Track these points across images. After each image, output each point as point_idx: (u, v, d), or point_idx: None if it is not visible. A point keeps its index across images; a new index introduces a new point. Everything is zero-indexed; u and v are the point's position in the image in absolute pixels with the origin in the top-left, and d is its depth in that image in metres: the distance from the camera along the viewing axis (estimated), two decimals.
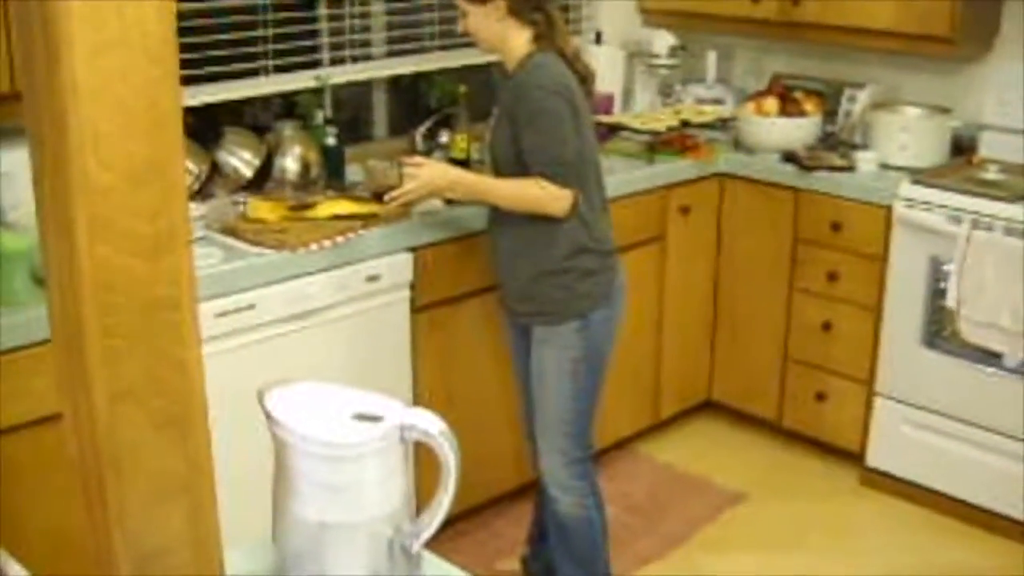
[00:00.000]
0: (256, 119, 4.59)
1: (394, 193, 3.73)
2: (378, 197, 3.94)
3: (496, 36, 3.57)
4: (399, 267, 3.99)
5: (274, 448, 1.78)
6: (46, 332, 2.85)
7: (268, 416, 1.74)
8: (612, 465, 4.96)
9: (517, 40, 3.57)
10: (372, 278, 3.90)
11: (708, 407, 5.50)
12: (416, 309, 4.06)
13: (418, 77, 5.11)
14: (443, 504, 1.80)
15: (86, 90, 1.52)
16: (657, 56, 5.59)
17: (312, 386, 1.82)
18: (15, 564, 2.38)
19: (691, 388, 5.39)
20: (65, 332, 1.66)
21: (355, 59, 4.79)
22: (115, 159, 1.56)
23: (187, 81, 3.98)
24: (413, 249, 4.02)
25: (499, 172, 3.65)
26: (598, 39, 5.59)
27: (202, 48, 4.21)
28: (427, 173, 3.69)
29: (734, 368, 5.34)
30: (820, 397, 5.03)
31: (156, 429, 1.68)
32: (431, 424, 1.75)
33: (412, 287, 4.05)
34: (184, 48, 3.96)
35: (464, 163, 4.85)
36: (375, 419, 1.74)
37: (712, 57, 5.70)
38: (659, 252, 5.00)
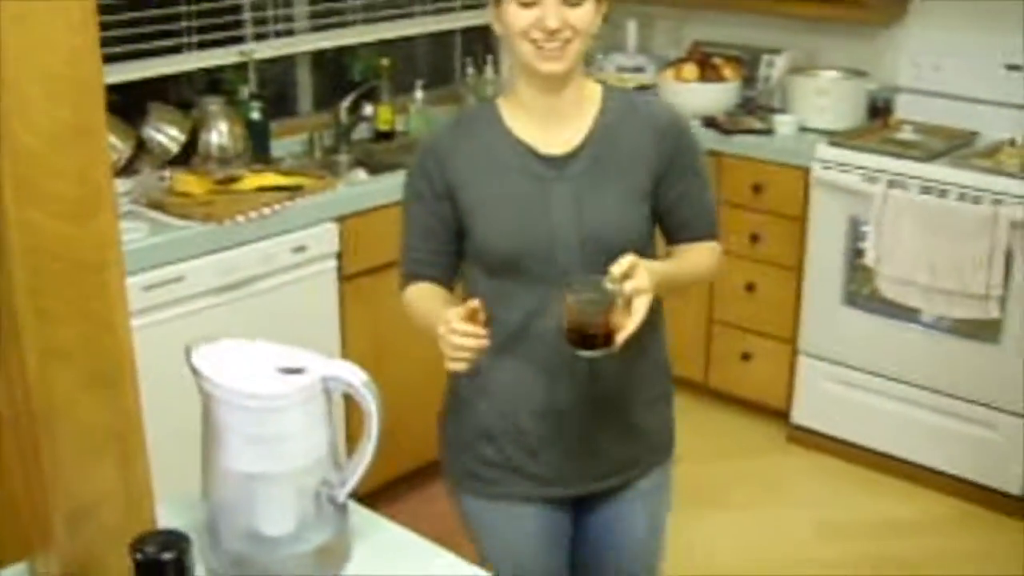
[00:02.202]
0: (180, 95, 4.62)
1: (628, 328, 2.30)
2: (585, 342, 2.33)
3: (590, 39, 2.51)
4: (325, 237, 4.05)
5: (202, 404, 1.83)
6: None
7: (195, 371, 1.79)
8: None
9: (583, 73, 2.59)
10: (299, 249, 3.96)
11: None
12: (344, 278, 4.12)
13: (341, 51, 5.14)
14: (367, 451, 1.87)
15: (11, 56, 1.57)
16: None
17: (237, 343, 1.88)
18: None
19: None
20: None
21: (279, 34, 4.82)
22: (41, 124, 1.62)
23: (110, 59, 4.00)
24: (339, 219, 4.08)
25: (600, 260, 2.40)
26: None
27: (125, 25, 4.23)
28: (648, 277, 2.31)
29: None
30: (745, 357, 5.13)
31: (86, 387, 1.74)
32: (353, 375, 1.82)
33: (339, 257, 4.11)
34: (107, 25, 3.99)
35: (388, 135, 4.91)
36: (298, 372, 1.81)
37: (632, 26, 5.77)
38: None
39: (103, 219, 1.70)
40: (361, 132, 4.93)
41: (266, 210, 3.83)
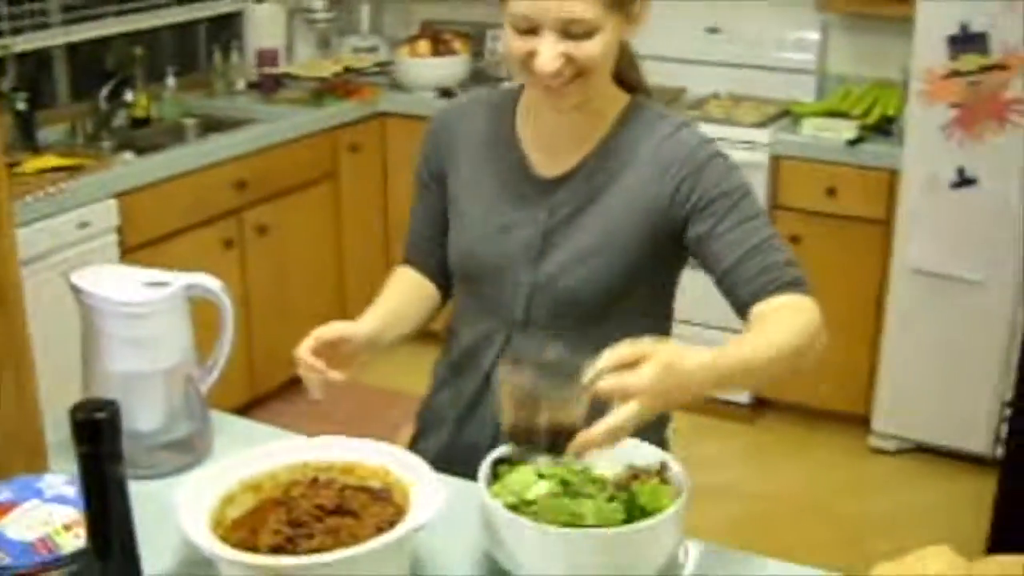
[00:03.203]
0: None
1: (591, 438, 1.77)
2: (521, 438, 1.88)
3: (609, 69, 2.17)
4: (106, 213, 4.32)
5: (81, 319, 2.16)
6: None
7: (76, 289, 2.12)
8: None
9: (613, 87, 2.26)
10: (83, 224, 4.22)
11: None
12: (125, 251, 4.40)
13: (94, 43, 5.37)
14: (226, 344, 2.23)
15: None
16: (314, 11, 6.01)
17: (106, 268, 2.22)
18: None
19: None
20: None
21: (34, 27, 5.01)
22: None
23: None
24: (118, 195, 4.37)
25: (560, 313, 2.21)
26: None
27: None
28: (650, 375, 1.74)
29: None
30: None
31: None
32: (210, 282, 2.19)
33: (119, 231, 4.39)
34: None
35: (145, 121, 5.19)
36: (163, 285, 2.16)
37: (365, 9, 6.17)
38: (333, 188, 5.47)
39: None
40: (119, 120, 5.18)
41: (51, 189, 4.08)
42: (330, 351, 2.15)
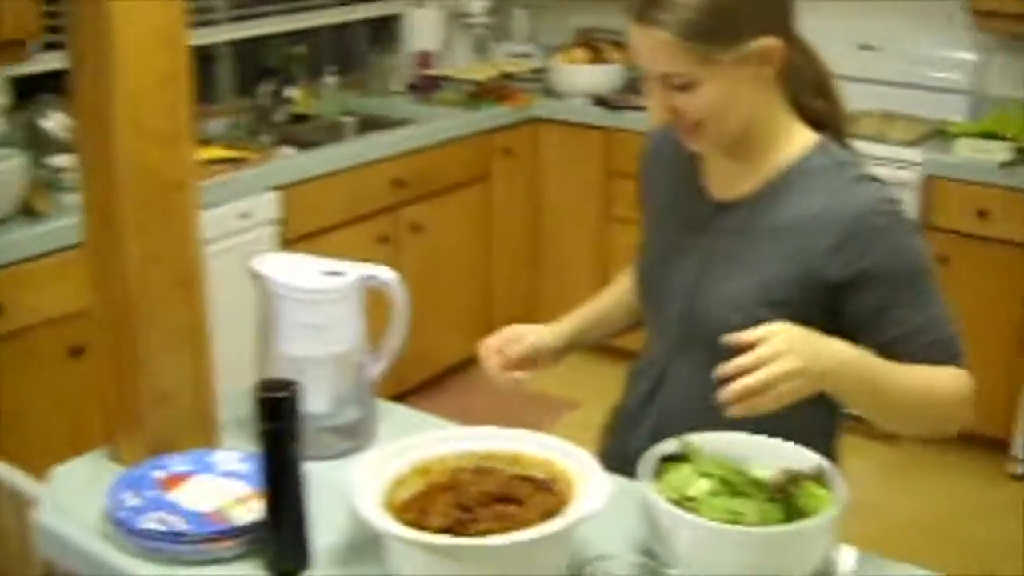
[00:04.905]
0: None
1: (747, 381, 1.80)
2: None
3: (750, 113, 2.06)
4: (267, 204, 4.43)
5: (259, 303, 2.23)
6: None
7: (257, 275, 2.19)
8: (452, 386, 5.47)
9: (788, 123, 2.13)
10: (244, 215, 4.32)
11: None
12: (285, 242, 4.50)
13: (258, 40, 5.51)
14: (395, 336, 2.29)
15: (121, 15, 1.96)
16: (472, 15, 6.09)
17: (286, 255, 2.29)
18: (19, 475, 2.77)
19: (520, 313, 5.89)
20: (98, 210, 2.08)
21: (202, 24, 5.16)
22: (147, 69, 2.00)
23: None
24: (279, 188, 4.48)
25: (712, 344, 1.95)
26: (419, 2, 6.06)
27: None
28: (780, 338, 1.82)
29: (557, 293, 5.82)
30: None
31: (172, 287, 2.14)
32: (385, 273, 2.24)
33: (279, 223, 4.50)
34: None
35: (304, 118, 5.30)
36: (340, 274, 2.22)
37: (522, 16, 6.24)
38: (486, 190, 5.54)
39: (185, 148, 2.10)
40: (279, 115, 5.30)
41: (217, 179, 4.19)
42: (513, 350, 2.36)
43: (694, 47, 1.94)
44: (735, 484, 1.91)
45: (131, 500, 2.01)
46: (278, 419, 1.80)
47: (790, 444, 1.95)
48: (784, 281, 2.01)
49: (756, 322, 1.87)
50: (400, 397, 5.08)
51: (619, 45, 5.85)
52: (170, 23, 2.02)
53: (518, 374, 2.37)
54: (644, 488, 1.86)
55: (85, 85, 2.04)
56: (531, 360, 2.41)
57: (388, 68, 5.80)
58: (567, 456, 1.93)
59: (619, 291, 2.48)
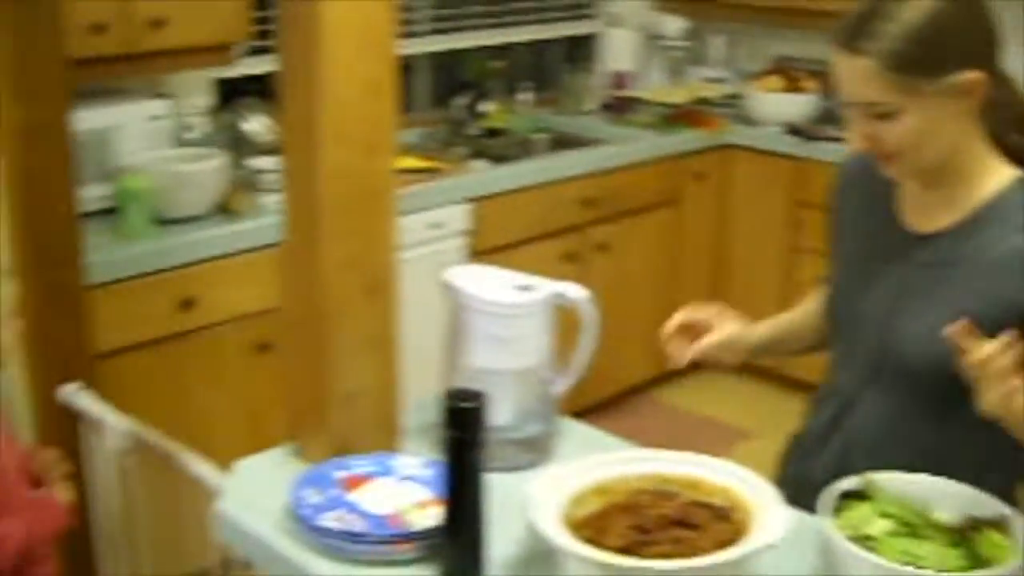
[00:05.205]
0: None
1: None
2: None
3: (949, 145, 2.05)
4: (458, 216, 4.49)
5: (450, 313, 2.26)
6: (159, 263, 3.48)
7: (449, 287, 2.23)
8: (627, 407, 5.47)
9: (987, 157, 2.11)
10: (434, 225, 4.38)
11: None
12: (473, 254, 4.56)
13: (456, 53, 5.58)
14: (582, 354, 2.30)
15: (330, 24, 2.01)
16: (669, 39, 6.09)
17: (477, 268, 2.32)
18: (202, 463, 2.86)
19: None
20: (298, 213, 2.13)
21: (404, 35, 5.25)
22: (351, 79, 2.05)
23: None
24: (470, 200, 4.53)
25: (902, 383, 2.14)
26: (615, 22, 6.08)
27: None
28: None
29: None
30: None
31: (364, 294, 2.18)
32: (576, 292, 2.26)
33: (469, 235, 4.55)
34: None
35: (497, 132, 5.35)
36: (531, 290, 2.24)
37: (718, 40, 6.21)
38: (674, 214, 5.53)
39: (387, 157, 2.14)
40: (472, 129, 5.36)
41: (411, 188, 4.25)
42: (696, 330, 2.35)
43: (899, 77, 1.95)
44: (915, 526, 1.88)
45: (312, 497, 2.05)
46: (464, 428, 1.82)
47: (973, 490, 1.92)
48: (981, 317, 1.91)
49: (950, 357, 1.85)
50: (576, 415, 5.12)
51: (815, 74, 5.79)
52: (380, 34, 2.07)
53: (690, 352, 2.36)
54: (823, 524, 1.85)
55: (293, 92, 2.09)
56: (720, 346, 2.37)
57: (582, 87, 5.83)
58: (747, 484, 1.92)
59: (807, 311, 2.47)
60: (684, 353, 2.37)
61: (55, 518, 2.73)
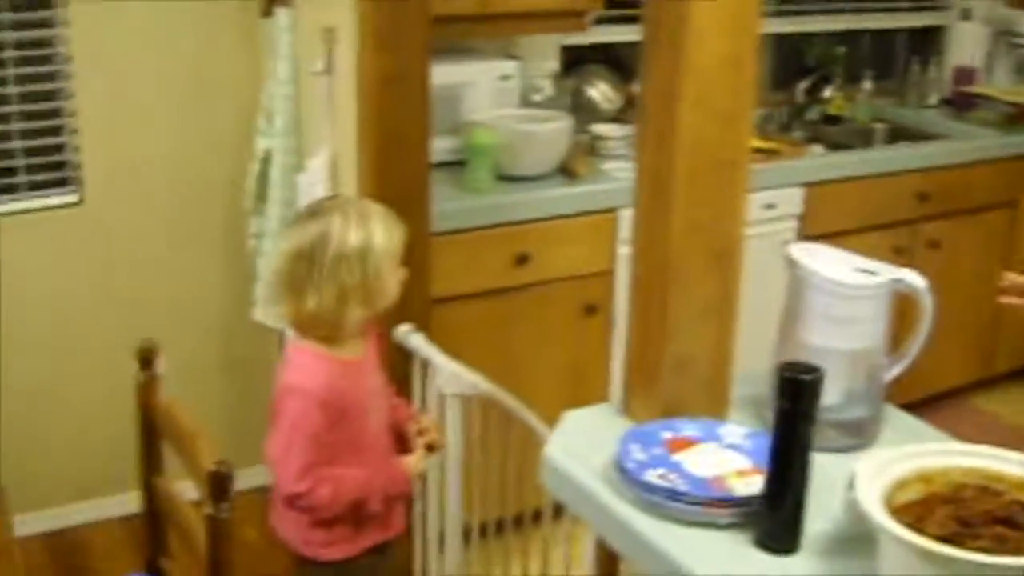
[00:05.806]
0: None
1: None
2: None
3: None
4: (791, 199, 4.49)
5: (788, 289, 2.29)
6: (499, 218, 3.55)
7: (792, 262, 2.26)
8: (941, 409, 5.37)
9: None
10: (768, 206, 4.40)
11: None
12: (804, 238, 4.54)
13: (801, 36, 5.56)
14: (916, 342, 2.31)
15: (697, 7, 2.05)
16: (1019, 35, 5.92)
17: (822, 247, 2.34)
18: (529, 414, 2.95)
19: None
20: (651, 180, 2.19)
21: None
22: (712, 52, 2.09)
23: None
24: (804, 185, 4.53)
25: None
26: (965, 16, 5.95)
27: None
28: None
29: None
30: None
31: (708, 260, 2.22)
32: (916, 279, 2.26)
33: (801, 218, 4.55)
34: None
35: (837, 119, 5.32)
36: (872, 274, 2.25)
37: None
38: (1010, 216, 5.39)
39: (743, 128, 2.18)
40: (812, 114, 5.34)
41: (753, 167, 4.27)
42: None
43: None
44: None
45: (638, 454, 2.12)
46: (798, 400, 1.86)
47: None
48: None
49: None
50: None
51: None
52: (745, 8, 2.10)
53: None
54: None
55: (656, 59, 2.15)
56: None
57: (926, 80, 5.73)
58: None
59: None
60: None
61: (396, 484, 2.89)
